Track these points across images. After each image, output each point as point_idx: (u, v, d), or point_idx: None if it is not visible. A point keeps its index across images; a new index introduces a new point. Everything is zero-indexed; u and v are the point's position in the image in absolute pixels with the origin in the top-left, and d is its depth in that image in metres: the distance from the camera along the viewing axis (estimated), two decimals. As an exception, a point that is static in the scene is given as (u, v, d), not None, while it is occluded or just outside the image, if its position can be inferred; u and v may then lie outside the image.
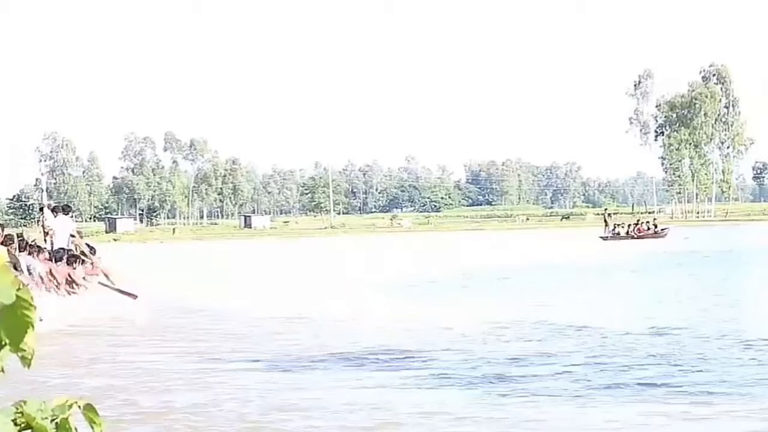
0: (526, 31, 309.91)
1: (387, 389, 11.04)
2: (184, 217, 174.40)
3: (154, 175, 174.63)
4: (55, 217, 21.08)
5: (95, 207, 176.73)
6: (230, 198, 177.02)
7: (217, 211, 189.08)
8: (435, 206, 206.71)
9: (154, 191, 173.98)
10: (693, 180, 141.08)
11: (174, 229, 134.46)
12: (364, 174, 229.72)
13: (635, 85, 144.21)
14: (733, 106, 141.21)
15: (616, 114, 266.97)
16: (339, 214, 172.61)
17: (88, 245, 21.39)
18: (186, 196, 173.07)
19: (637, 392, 10.60)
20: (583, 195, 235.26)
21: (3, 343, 1.85)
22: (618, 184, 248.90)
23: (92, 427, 1.99)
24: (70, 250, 20.09)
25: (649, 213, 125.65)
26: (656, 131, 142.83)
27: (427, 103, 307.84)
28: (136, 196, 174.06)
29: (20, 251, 17.77)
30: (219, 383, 11.60)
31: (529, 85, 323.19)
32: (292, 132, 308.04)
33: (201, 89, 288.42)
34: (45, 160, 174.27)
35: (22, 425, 1.92)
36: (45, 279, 18.09)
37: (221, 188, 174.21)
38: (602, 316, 18.17)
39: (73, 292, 18.88)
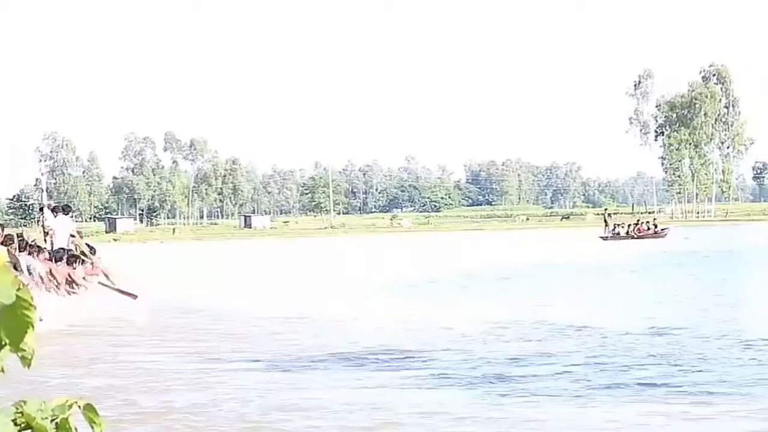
0: (526, 31, 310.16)
1: (387, 389, 11.04)
2: (184, 217, 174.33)
3: (154, 175, 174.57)
4: (55, 217, 21.08)
5: (95, 207, 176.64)
6: (230, 198, 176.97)
7: (217, 211, 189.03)
8: (435, 206, 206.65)
9: (154, 191, 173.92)
10: (693, 180, 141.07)
11: (174, 229, 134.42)
12: (364, 174, 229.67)
13: (635, 85, 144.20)
14: (733, 106, 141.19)
15: (616, 114, 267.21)
16: (339, 214, 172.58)
17: (88, 245, 21.38)
18: (186, 196, 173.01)
19: (637, 392, 10.60)
20: (583, 195, 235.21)
21: (3, 343, 1.85)
22: (618, 184, 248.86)
23: (92, 427, 1.99)
24: (70, 250, 20.09)
25: (649, 213, 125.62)
26: (656, 131, 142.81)
27: (427, 103, 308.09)
28: (136, 196, 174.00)
29: (20, 251, 17.77)
30: (219, 383, 11.60)
31: (529, 85, 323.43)
32: (292, 132, 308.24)
33: (201, 89, 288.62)
34: (45, 160, 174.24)
35: (22, 425, 1.92)
36: (45, 279, 18.09)
37: (221, 188, 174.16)
38: (602, 316, 18.17)
39: (73, 292, 18.87)
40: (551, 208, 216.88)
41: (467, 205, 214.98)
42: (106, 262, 21.58)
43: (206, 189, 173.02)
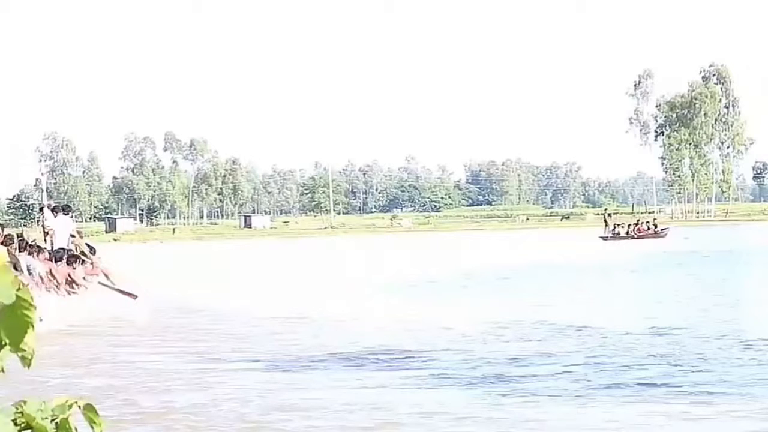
0: (526, 31, 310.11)
1: (387, 389, 11.04)
2: (184, 217, 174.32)
3: (154, 175, 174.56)
4: (55, 217, 21.08)
5: (95, 207, 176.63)
6: (230, 198, 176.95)
7: (217, 211, 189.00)
8: (435, 206, 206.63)
9: (154, 191, 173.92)
10: (693, 180, 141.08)
11: (174, 229, 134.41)
12: (364, 174, 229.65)
13: (635, 85, 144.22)
14: (733, 106, 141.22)
15: (616, 114, 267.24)
16: (339, 214, 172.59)
17: (88, 245, 21.38)
18: (186, 196, 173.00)
19: (637, 392, 10.60)
20: (583, 195, 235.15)
21: (3, 343, 1.85)
22: (618, 184, 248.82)
23: (92, 427, 1.99)
24: (70, 250, 20.08)
25: (649, 213, 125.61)
26: (656, 131, 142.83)
27: (427, 103, 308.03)
28: (136, 196, 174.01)
29: (20, 251, 17.76)
30: (219, 383, 11.60)
31: (529, 85, 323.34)
32: (292, 132, 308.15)
33: (201, 89, 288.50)
34: (45, 160, 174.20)
35: (22, 425, 1.92)
36: (45, 279, 18.08)
37: (221, 188, 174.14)
38: (602, 316, 18.17)
39: (73, 292, 18.87)
40: (551, 208, 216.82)
41: (467, 205, 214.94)
42: (106, 262, 21.58)
43: (206, 189, 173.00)
